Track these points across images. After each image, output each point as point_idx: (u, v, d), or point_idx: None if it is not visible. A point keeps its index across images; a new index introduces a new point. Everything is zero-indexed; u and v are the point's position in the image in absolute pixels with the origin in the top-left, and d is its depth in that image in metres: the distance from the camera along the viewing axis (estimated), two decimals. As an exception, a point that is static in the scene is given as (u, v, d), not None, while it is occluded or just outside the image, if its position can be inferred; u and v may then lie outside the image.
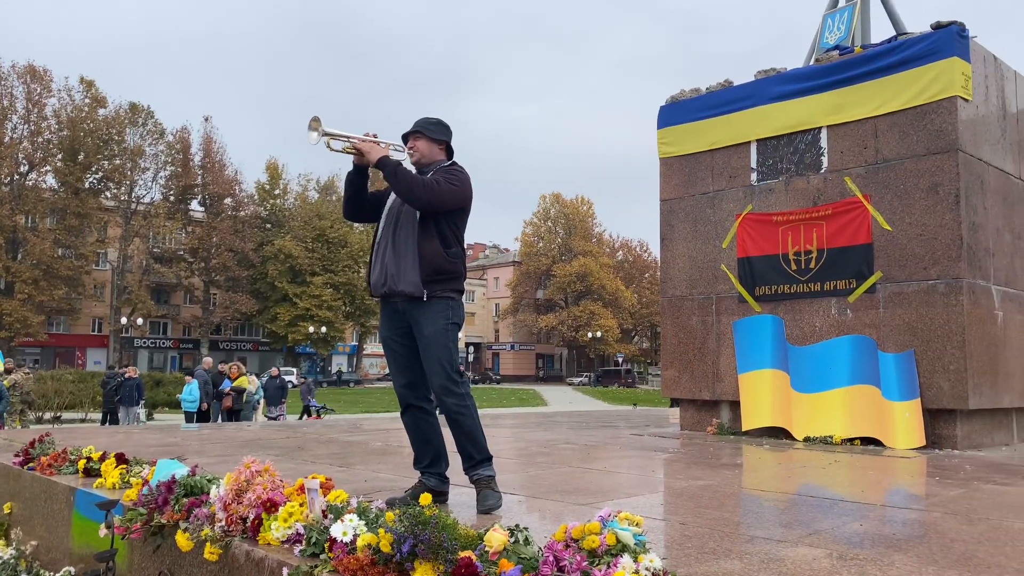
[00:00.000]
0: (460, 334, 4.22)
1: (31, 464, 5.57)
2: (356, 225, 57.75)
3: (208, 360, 18.53)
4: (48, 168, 50.06)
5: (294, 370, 48.42)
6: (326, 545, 2.99)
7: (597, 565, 2.47)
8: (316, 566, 2.91)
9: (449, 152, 4.02)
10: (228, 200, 55.48)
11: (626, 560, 2.21)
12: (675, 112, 8.25)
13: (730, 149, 7.78)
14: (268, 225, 57.05)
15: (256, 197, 57.65)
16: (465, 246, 4.04)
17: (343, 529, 2.97)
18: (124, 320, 50.16)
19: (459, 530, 2.80)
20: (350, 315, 56.81)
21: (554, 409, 26.73)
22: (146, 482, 4.19)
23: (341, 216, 55.26)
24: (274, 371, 18.56)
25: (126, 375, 18.34)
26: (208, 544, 3.36)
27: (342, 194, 4.06)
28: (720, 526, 3.41)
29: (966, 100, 6.52)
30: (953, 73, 6.43)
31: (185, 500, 3.78)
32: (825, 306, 7.05)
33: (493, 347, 77.67)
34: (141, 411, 18.15)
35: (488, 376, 68.51)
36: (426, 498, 2.90)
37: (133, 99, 59.83)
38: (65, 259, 49.02)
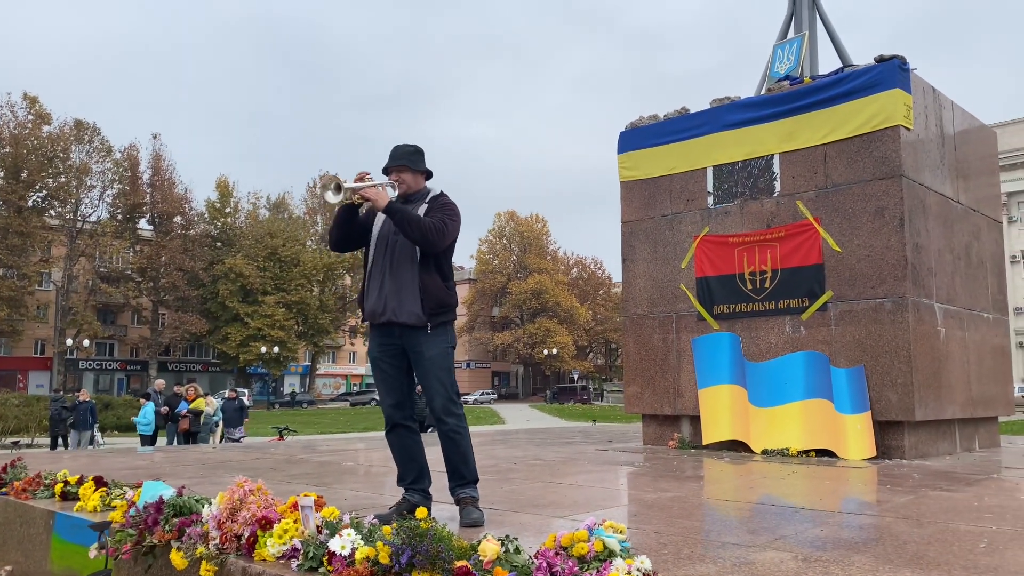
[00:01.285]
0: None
1: (3, 489, 5.56)
2: (308, 243, 57.34)
3: (160, 382, 18.28)
4: (-10, 186, 48.79)
5: (246, 391, 47.70)
6: (324, 559, 3.14)
7: (587, 570, 2.66)
8: (316, 579, 3.05)
9: (428, 177, 4.20)
10: (178, 218, 54.66)
11: (618, 563, 2.40)
12: (634, 138, 8.56)
13: (687, 174, 8.10)
14: (219, 244, 56.30)
15: (206, 215, 56.89)
16: None
17: (341, 543, 3.12)
18: (69, 342, 48.90)
19: (454, 541, 2.97)
20: (303, 335, 56.25)
21: (513, 427, 26.89)
22: (132, 504, 4.26)
23: (292, 234, 54.84)
24: (231, 393, 18.38)
25: (79, 399, 18.01)
26: (204, 562, 3.47)
27: (331, 229, 4.10)
28: (691, 534, 3.63)
29: (908, 129, 6.93)
30: (896, 104, 6.84)
31: (175, 520, 3.87)
32: (780, 324, 7.38)
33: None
34: (97, 434, 17.84)
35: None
36: (422, 511, 3.07)
37: (80, 116, 58.66)
38: (6, 279, 47.73)
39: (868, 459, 6.64)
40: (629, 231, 8.56)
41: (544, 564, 2.71)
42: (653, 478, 5.72)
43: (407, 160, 4.11)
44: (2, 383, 50.84)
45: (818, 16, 8.77)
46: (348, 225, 4.09)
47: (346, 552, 3.11)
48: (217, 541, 3.56)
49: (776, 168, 7.52)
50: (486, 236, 69.73)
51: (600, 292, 73.29)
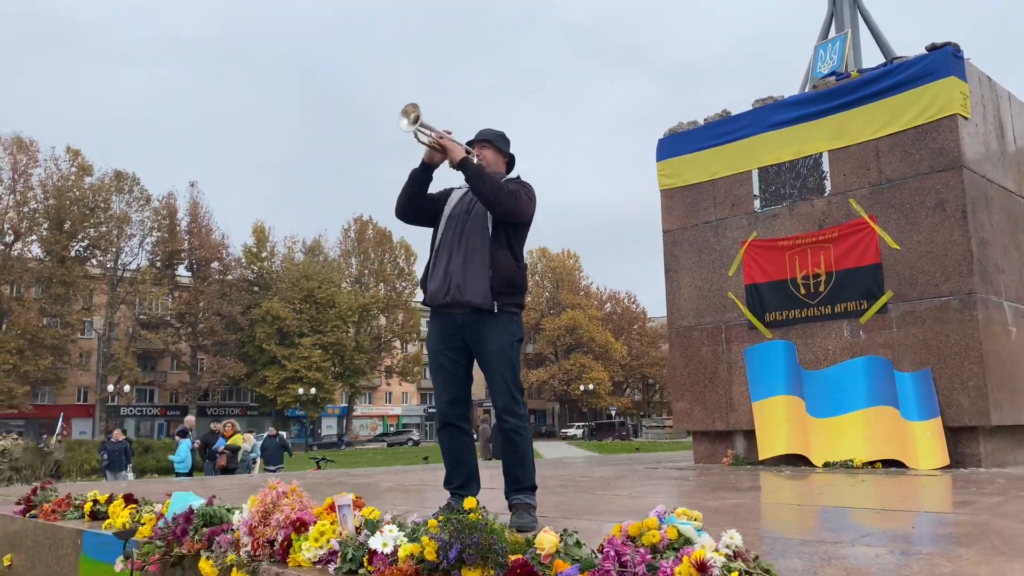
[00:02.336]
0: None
1: (33, 512, 5.35)
2: (343, 285, 57.64)
3: (190, 419, 18.12)
4: (34, 237, 49.86)
5: (284, 433, 47.65)
6: (364, 559, 2.85)
7: (662, 558, 2.35)
8: (356, 581, 2.76)
9: (510, 167, 3.96)
10: (215, 264, 55.36)
11: (704, 538, 2.08)
12: (674, 144, 8.30)
13: (732, 177, 7.81)
14: (255, 288, 56.85)
15: (243, 260, 57.57)
16: None
17: (383, 540, 2.83)
18: (111, 388, 49.44)
19: (507, 535, 2.67)
20: (339, 376, 56.30)
21: (552, 457, 26.29)
22: (161, 515, 4.01)
23: (328, 276, 55.31)
24: (272, 430, 18.23)
25: (113, 439, 17.94)
26: (235, 570, 3.19)
27: (400, 192, 3.86)
28: (767, 534, 3.29)
29: (965, 118, 6.59)
30: (951, 92, 6.51)
31: (205, 530, 3.61)
32: (837, 329, 7.00)
33: (484, 404, 77.08)
34: (130, 475, 17.71)
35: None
36: (471, 501, 2.77)
37: (121, 166, 60.11)
38: (50, 328, 48.51)
39: (941, 468, 6.19)
40: (672, 240, 8.25)
41: (612, 553, 2.39)
42: (711, 489, 5.35)
43: (492, 137, 3.90)
44: (47, 431, 51.40)
45: (859, 14, 8.49)
46: (419, 186, 3.80)
47: (388, 550, 2.82)
48: (249, 548, 3.29)
49: (826, 166, 7.20)
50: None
51: (635, 327, 72.58)
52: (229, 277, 55.83)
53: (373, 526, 3.00)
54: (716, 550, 2.01)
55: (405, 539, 2.85)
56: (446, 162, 3.80)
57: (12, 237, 48.92)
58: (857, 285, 6.89)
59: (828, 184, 7.19)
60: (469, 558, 2.58)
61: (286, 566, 3.09)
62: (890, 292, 6.73)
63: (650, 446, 38.49)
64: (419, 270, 60.45)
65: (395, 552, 2.81)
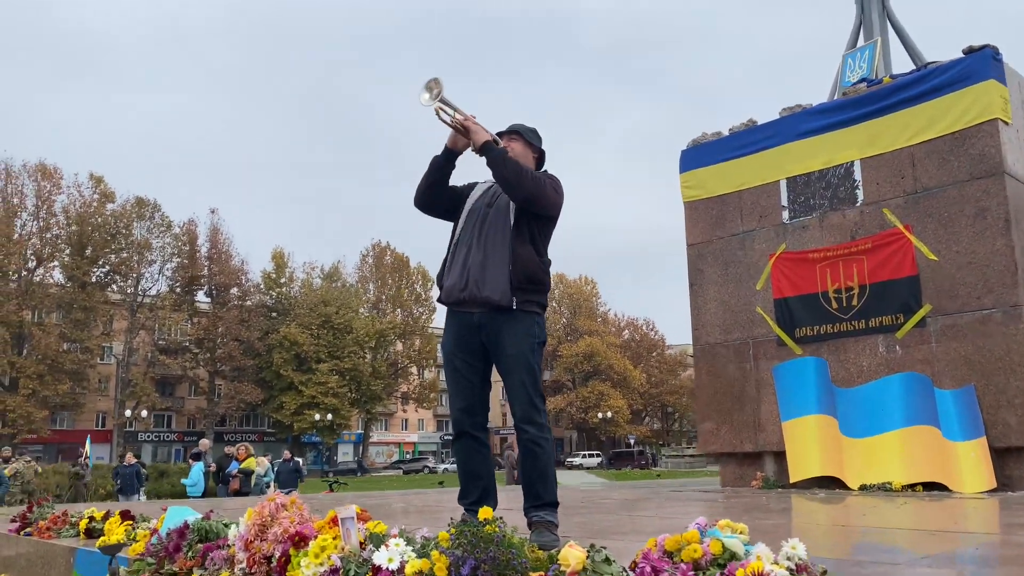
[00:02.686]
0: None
1: (28, 530, 5.11)
2: (360, 310, 57.55)
3: (205, 442, 17.89)
4: (56, 263, 50.23)
5: (299, 459, 47.37)
6: (368, 575, 2.57)
7: (706, 574, 2.06)
8: (358, 600, 2.48)
9: (540, 163, 3.72)
10: (234, 290, 55.50)
11: (761, 548, 1.79)
12: (698, 155, 8.05)
13: (759, 188, 7.53)
14: (274, 314, 56.90)
15: (262, 286, 57.71)
16: None
17: (388, 555, 2.55)
18: (128, 413, 49.46)
19: (526, 550, 2.38)
20: (356, 402, 56.05)
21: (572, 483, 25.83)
22: (155, 531, 3.75)
23: (345, 302, 55.37)
24: (287, 454, 17.97)
25: (125, 462, 17.74)
26: (228, 588, 2.92)
27: (420, 179, 3.65)
28: (814, 554, 2.98)
29: (1006, 123, 6.29)
30: (991, 96, 6.23)
31: (200, 546, 3.35)
32: (872, 344, 6.66)
33: (501, 432, 76.45)
34: (143, 499, 17.47)
35: (497, 463, 67.05)
36: (486, 511, 2.48)
37: (143, 192, 60.63)
38: (70, 353, 48.68)
39: (987, 491, 5.81)
40: (696, 254, 7.97)
41: (648, 569, 2.10)
42: (743, 510, 5.02)
43: (522, 129, 3.67)
44: (65, 456, 51.34)
45: (889, 21, 8.24)
46: (439, 175, 3.56)
47: (394, 566, 2.53)
48: (244, 564, 3.02)
49: (857, 175, 6.91)
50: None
51: (653, 354, 71.90)
52: (248, 303, 55.90)
53: (379, 540, 2.72)
54: (775, 562, 1.72)
55: (413, 554, 2.57)
56: (470, 155, 3.58)
57: (35, 263, 49.32)
58: (893, 298, 6.57)
59: (860, 193, 6.90)
60: (484, 575, 2.29)
61: (284, 583, 2.81)
62: (928, 305, 6.40)
63: (670, 475, 37.83)
64: (436, 295, 60.43)
65: (402, 568, 2.53)
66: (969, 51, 6.42)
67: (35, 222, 49.20)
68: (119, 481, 17.11)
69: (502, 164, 3.37)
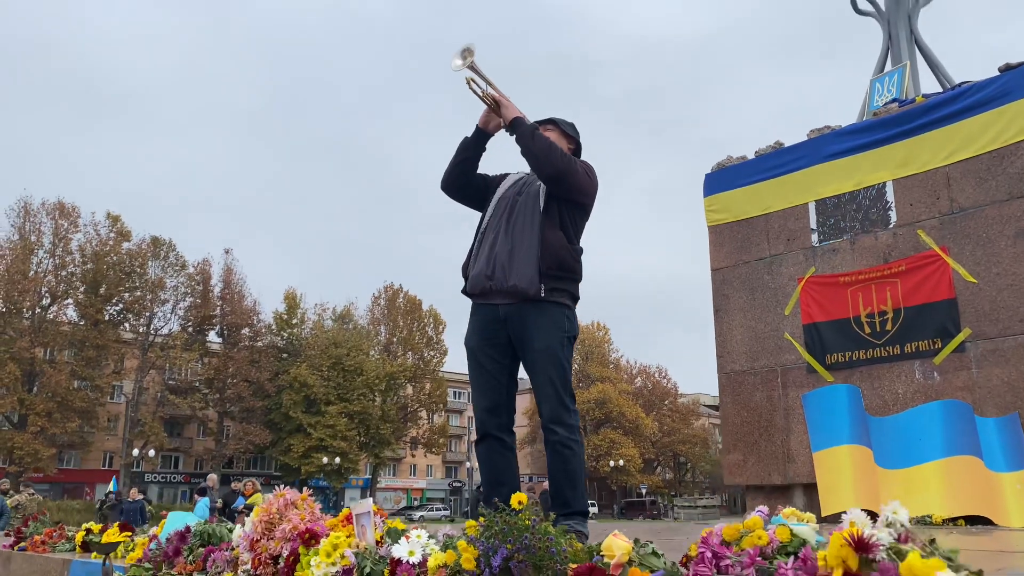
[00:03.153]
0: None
1: (22, 544, 4.87)
2: (371, 352, 57.24)
3: (213, 476, 17.57)
4: (70, 300, 50.38)
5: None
6: (385, 572, 2.31)
7: (779, 558, 1.80)
8: (374, 596, 2.22)
9: (576, 153, 3.56)
10: (246, 330, 55.47)
11: (856, 514, 1.54)
12: (723, 178, 7.87)
13: (786, 211, 7.33)
14: (284, 355, 56.72)
15: (273, 327, 57.63)
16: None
17: (409, 548, 2.30)
18: (136, 452, 49.08)
19: (564, 541, 2.12)
20: (364, 446, 55.46)
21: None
22: (154, 537, 3.50)
23: (356, 344, 55.24)
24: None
25: (129, 498, 17.42)
26: (230, 590, 2.66)
27: (449, 160, 3.49)
28: None
29: (1047, 141, 6.09)
30: (1030, 113, 6.03)
31: (201, 550, 3.10)
32: (907, 370, 6.38)
33: (532, 479, 75.33)
34: (147, 535, 17.08)
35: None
36: (520, 497, 2.23)
37: (159, 231, 61.02)
38: (80, 391, 48.53)
39: (1036, 525, 5.47)
40: (721, 279, 7.74)
41: (708, 555, 1.85)
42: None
43: (558, 120, 3.51)
44: (71, 495, 50.82)
45: (916, 46, 8.11)
46: (467, 155, 3.38)
47: (416, 559, 2.28)
48: (248, 566, 2.76)
49: (890, 196, 6.71)
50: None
51: (666, 402, 71.07)
52: (259, 344, 55.77)
53: (397, 535, 2.47)
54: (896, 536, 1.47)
55: (436, 547, 2.32)
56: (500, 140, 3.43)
57: (49, 300, 49.47)
58: (929, 322, 6.31)
59: (893, 215, 6.68)
60: (518, 567, 2.04)
61: (291, 584, 2.56)
62: (968, 329, 6.13)
63: (684, 523, 37.01)
64: (448, 339, 59.76)
65: (424, 562, 2.27)
66: (1006, 68, 6.25)
67: (51, 260, 49.49)
68: (123, 517, 16.78)
69: (530, 138, 3.20)
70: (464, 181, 3.48)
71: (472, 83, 3.31)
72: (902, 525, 1.43)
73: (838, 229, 7.00)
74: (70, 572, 4.00)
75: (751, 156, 7.81)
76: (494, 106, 3.33)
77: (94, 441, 51.46)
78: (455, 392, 70.41)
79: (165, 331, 53.83)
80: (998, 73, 6.34)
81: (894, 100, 7.23)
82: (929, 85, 7.94)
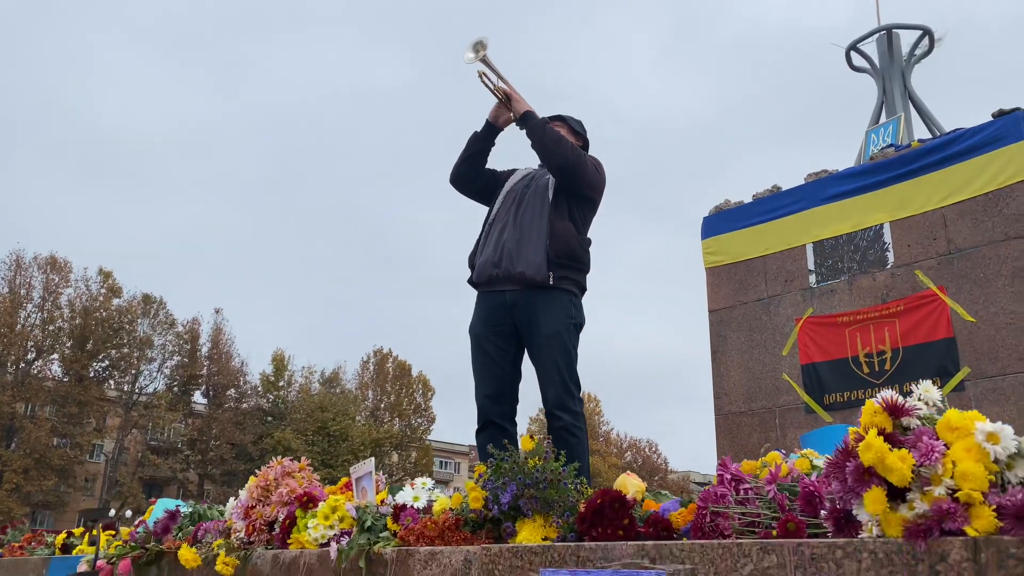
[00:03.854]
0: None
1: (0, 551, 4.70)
2: (358, 418, 56.50)
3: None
4: (55, 356, 49.84)
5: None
6: (388, 520, 2.23)
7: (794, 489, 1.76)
8: (376, 541, 2.13)
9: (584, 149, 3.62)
10: (231, 391, 54.83)
11: (887, 394, 1.49)
12: (721, 221, 7.94)
13: (784, 253, 7.38)
14: (269, 418, 55.95)
15: (260, 388, 57.00)
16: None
17: (414, 494, 2.23)
18: (112, 512, 47.69)
19: (573, 485, 2.07)
20: (348, 514, 54.30)
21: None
22: (142, 522, 3.38)
23: (343, 408, 54.59)
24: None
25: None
26: (222, 554, 2.56)
27: (459, 155, 3.55)
28: None
29: (1041, 184, 6.19)
30: (1024, 156, 6.15)
31: (191, 528, 3.00)
32: (907, 410, 6.32)
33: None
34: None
35: None
36: (527, 441, 2.17)
37: (150, 288, 60.67)
38: (59, 448, 47.58)
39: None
40: (718, 320, 7.73)
41: (727, 477, 1.79)
42: None
43: (567, 117, 3.57)
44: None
45: (910, 99, 8.32)
46: (477, 148, 3.44)
47: (421, 504, 2.21)
48: (242, 533, 2.67)
49: (887, 237, 6.77)
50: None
51: (656, 477, 70.06)
52: (244, 405, 55.04)
53: (399, 490, 2.40)
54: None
55: (441, 494, 2.25)
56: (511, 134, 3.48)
57: (34, 354, 48.92)
58: (928, 361, 6.28)
59: (891, 256, 6.73)
60: (528, 505, 1.97)
61: (286, 548, 2.46)
62: (967, 368, 6.11)
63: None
64: (436, 406, 59.05)
65: (429, 508, 2.20)
66: (999, 114, 6.39)
67: (39, 313, 49.14)
68: None
69: (541, 130, 3.25)
70: (474, 174, 3.52)
71: (484, 77, 3.36)
72: (937, 401, 1.39)
73: (836, 270, 7.04)
74: (49, 570, 3.85)
75: (749, 200, 7.91)
76: (505, 100, 3.38)
77: (70, 501, 50.16)
78: (441, 462, 69.39)
79: (150, 389, 53.14)
80: (991, 119, 6.48)
81: (890, 146, 7.37)
82: (923, 136, 8.10)
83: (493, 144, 3.52)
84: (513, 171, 3.61)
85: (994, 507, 1.10)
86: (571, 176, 3.24)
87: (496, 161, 3.69)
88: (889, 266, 6.73)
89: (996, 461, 1.12)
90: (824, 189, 7.27)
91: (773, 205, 7.60)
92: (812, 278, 7.18)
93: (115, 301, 51.69)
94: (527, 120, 3.30)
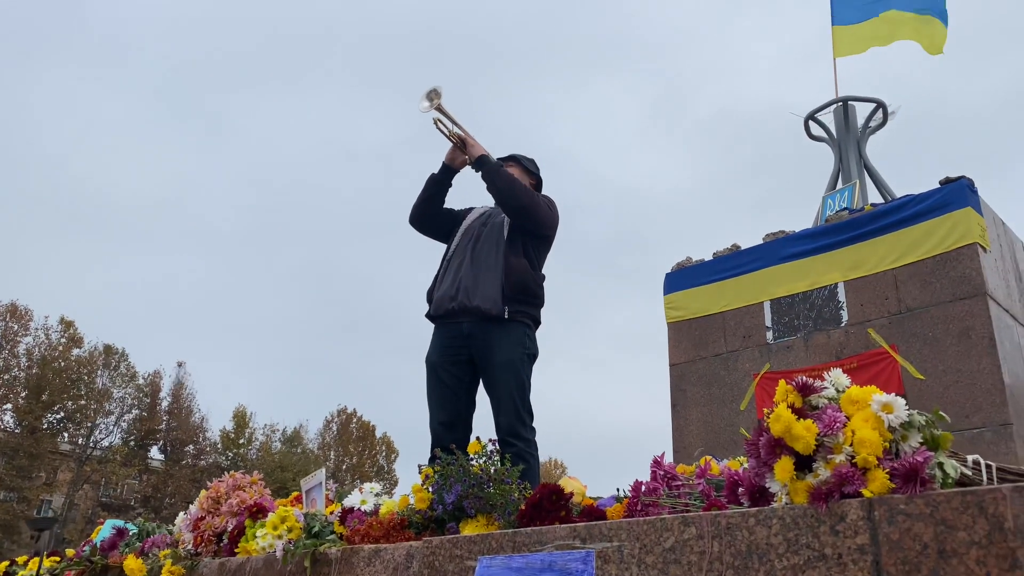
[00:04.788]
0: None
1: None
2: (321, 479, 55.46)
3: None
4: (8, 406, 48.53)
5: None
6: (336, 523, 2.27)
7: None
8: (321, 543, 2.17)
9: (537, 188, 3.76)
10: (190, 447, 53.61)
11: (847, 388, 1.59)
12: (682, 278, 8.13)
13: (743, 309, 7.56)
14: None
15: (219, 445, 55.80)
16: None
17: (361, 498, 2.28)
18: (58, 526, 46.02)
19: (516, 489, 2.13)
20: (304, 577, 52.72)
21: None
22: (88, 541, 3.35)
23: (304, 468, 53.54)
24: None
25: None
26: (168, 563, 2.57)
27: (417, 196, 3.68)
28: None
29: (985, 248, 6.46)
30: (970, 222, 6.43)
31: (139, 544, 2.99)
32: (860, 465, 6.43)
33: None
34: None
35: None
36: (475, 445, 2.24)
37: (112, 339, 59.55)
38: (6, 503, 45.97)
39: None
40: (678, 374, 7.85)
41: (659, 473, 1.88)
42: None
43: (519, 156, 3.73)
44: (-23, 619, 47.03)
45: (865, 168, 8.66)
46: (435, 190, 3.60)
47: (368, 507, 2.26)
48: (190, 545, 2.67)
49: (842, 296, 6.98)
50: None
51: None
52: (202, 462, 53.77)
53: (346, 494, 2.44)
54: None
55: (387, 498, 2.30)
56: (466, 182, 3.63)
57: (-14, 404, 47.63)
58: (880, 418, 6.42)
59: (845, 314, 6.93)
60: (471, 504, 2.03)
61: (233, 556, 2.48)
62: (917, 424, 6.25)
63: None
64: (399, 469, 58.19)
65: (376, 511, 2.25)
66: (946, 181, 6.70)
67: (-5, 362, 48.01)
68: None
69: (495, 174, 3.41)
70: (432, 214, 3.66)
71: (439, 123, 3.53)
72: (844, 387, 1.50)
73: (792, 327, 7.22)
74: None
75: (709, 258, 8.12)
76: (460, 144, 3.55)
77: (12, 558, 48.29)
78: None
79: (106, 443, 51.76)
80: (939, 185, 6.78)
81: (845, 209, 7.65)
82: (876, 201, 8.42)
83: (450, 185, 3.68)
84: (471, 209, 3.76)
85: (888, 471, 1.19)
86: (524, 217, 3.40)
87: (455, 199, 3.83)
88: (843, 324, 6.93)
89: (891, 429, 1.22)
90: (781, 249, 7.50)
91: (733, 263, 7.81)
92: (769, 334, 7.35)
93: (75, 351, 50.68)
94: (482, 164, 3.46)
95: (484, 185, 3.49)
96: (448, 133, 3.53)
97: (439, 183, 3.62)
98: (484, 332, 3.27)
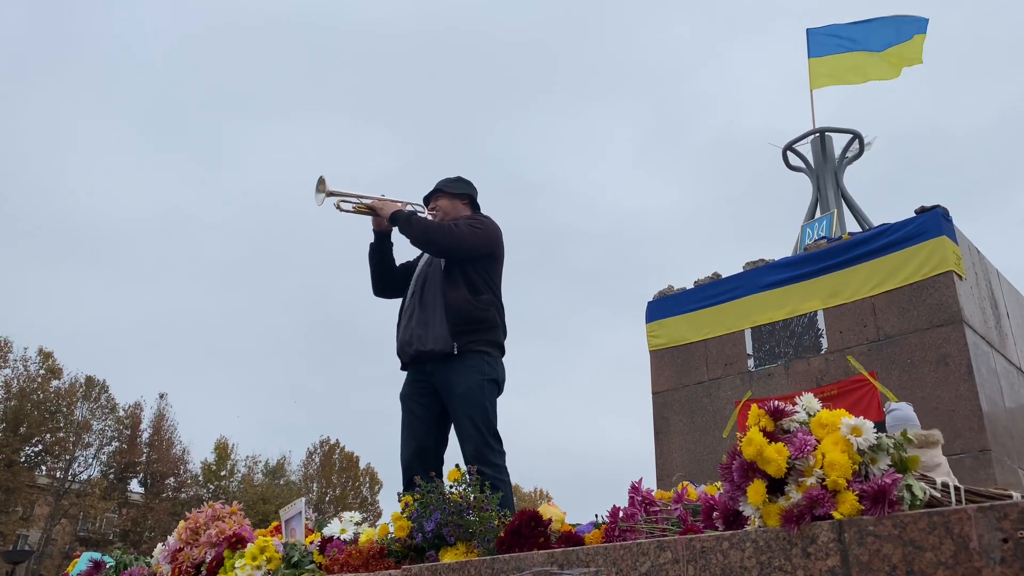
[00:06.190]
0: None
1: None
2: (303, 511, 54.80)
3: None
4: (-16, 438, 47.72)
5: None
6: (315, 552, 2.27)
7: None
8: (301, 573, 2.16)
9: (474, 206, 3.78)
10: (171, 480, 52.87)
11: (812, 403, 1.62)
12: (664, 306, 8.19)
13: (724, 337, 7.61)
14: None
15: (200, 478, 55.05)
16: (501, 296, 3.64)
17: (341, 527, 2.28)
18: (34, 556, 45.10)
19: (497, 515, 2.14)
20: (286, 612, 51.85)
21: None
22: (65, 574, 3.31)
23: (286, 500, 53.20)
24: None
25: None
26: (145, 595, 2.55)
27: (370, 272, 3.79)
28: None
29: (960, 276, 6.55)
30: (945, 250, 6.53)
31: (115, 576, 2.96)
32: (842, 492, 6.45)
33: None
34: None
35: None
36: (455, 473, 2.24)
37: (93, 370, 58.81)
38: (-20, 537, 45.09)
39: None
40: (661, 402, 7.87)
41: (637, 499, 1.89)
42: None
43: (442, 185, 3.75)
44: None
45: (843, 198, 8.79)
46: (379, 258, 3.70)
47: (347, 536, 2.26)
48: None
49: (821, 324, 7.05)
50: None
51: None
52: (183, 495, 53.01)
53: (325, 523, 2.44)
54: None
55: (367, 527, 2.30)
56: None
57: (-38, 437, 46.84)
58: (861, 444, 6.46)
59: (825, 342, 6.99)
60: (451, 531, 2.04)
61: (211, 587, 2.46)
62: (897, 451, 6.29)
63: None
64: (383, 500, 57.65)
65: (355, 540, 2.25)
66: (921, 210, 6.81)
67: (-29, 394, 47.29)
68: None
69: (408, 229, 3.49)
70: (388, 279, 3.76)
71: (341, 206, 3.57)
72: (815, 412, 1.52)
73: (773, 354, 7.27)
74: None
75: (690, 286, 8.18)
76: (371, 213, 3.60)
77: (-13, 595, 47.24)
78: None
79: (84, 476, 50.94)
80: (914, 214, 6.89)
81: (823, 237, 7.75)
82: (854, 230, 8.53)
83: (392, 244, 3.74)
84: (421, 255, 3.81)
85: (857, 493, 1.21)
86: (450, 254, 3.48)
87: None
88: (823, 351, 6.99)
89: (860, 452, 1.25)
90: (762, 277, 7.58)
91: (714, 291, 7.88)
92: (751, 362, 7.40)
93: (54, 383, 50.03)
94: (395, 221, 3.53)
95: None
96: (354, 209, 3.58)
97: (379, 250, 3.72)
98: (442, 369, 3.36)
